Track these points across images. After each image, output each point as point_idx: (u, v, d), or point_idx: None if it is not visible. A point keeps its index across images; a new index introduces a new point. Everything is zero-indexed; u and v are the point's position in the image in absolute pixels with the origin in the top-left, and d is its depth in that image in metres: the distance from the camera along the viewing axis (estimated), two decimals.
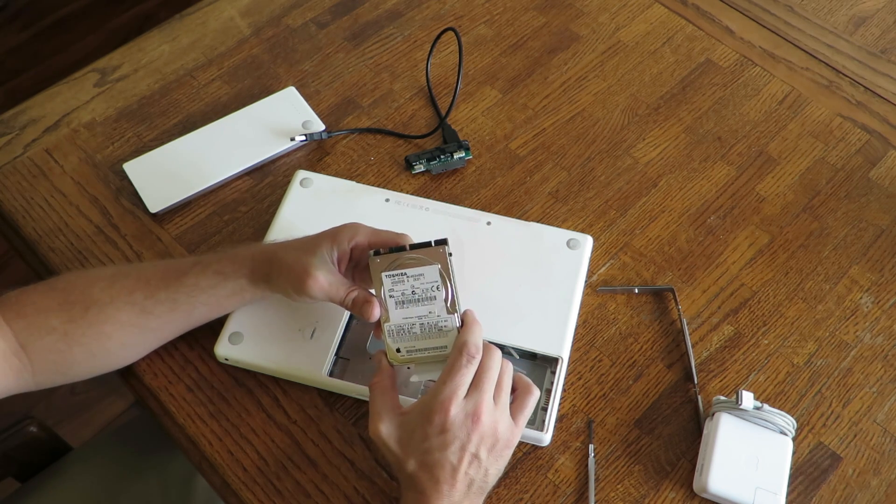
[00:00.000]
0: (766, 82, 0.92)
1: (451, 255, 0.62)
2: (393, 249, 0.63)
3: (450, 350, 0.62)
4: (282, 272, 0.65)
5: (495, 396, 0.60)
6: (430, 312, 0.62)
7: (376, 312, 0.63)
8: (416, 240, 0.64)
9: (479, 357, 0.60)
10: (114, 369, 0.70)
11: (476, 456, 0.58)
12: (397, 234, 0.65)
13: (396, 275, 0.62)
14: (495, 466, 0.60)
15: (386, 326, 0.63)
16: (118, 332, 0.66)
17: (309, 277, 0.63)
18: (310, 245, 0.66)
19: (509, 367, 0.62)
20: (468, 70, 0.92)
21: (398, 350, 0.63)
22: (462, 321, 0.62)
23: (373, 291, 0.64)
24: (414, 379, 0.63)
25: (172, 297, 0.66)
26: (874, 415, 0.71)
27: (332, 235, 0.65)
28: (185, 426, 0.70)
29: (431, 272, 0.62)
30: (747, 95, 0.91)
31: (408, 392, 0.68)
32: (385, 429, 0.60)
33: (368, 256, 0.63)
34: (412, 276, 0.62)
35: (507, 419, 0.61)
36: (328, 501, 0.66)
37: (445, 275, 0.62)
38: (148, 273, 0.67)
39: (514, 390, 0.63)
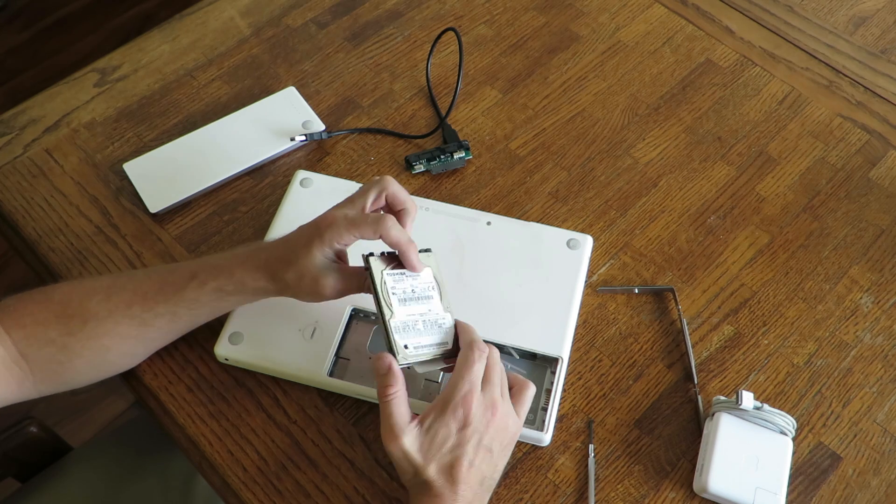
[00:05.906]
0: (766, 82, 0.92)
1: (436, 259, 0.65)
2: (385, 254, 0.64)
3: (450, 346, 0.63)
4: (294, 290, 0.64)
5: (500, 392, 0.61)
6: (429, 310, 0.64)
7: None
8: (412, 236, 0.64)
9: (487, 352, 0.61)
10: (115, 374, 0.70)
11: (490, 450, 0.59)
12: (374, 216, 0.63)
13: (396, 274, 0.64)
14: (503, 461, 0.61)
15: (392, 322, 0.63)
16: (118, 344, 0.66)
17: (324, 289, 0.63)
18: (303, 256, 0.63)
19: (501, 364, 0.64)
20: (468, 70, 0.92)
21: (406, 346, 0.63)
22: (456, 324, 0.64)
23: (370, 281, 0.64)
24: (419, 371, 0.64)
25: (172, 310, 0.65)
26: (874, 415, 0.71)
27: (319, 239, 0.62)
28: (185, 426, 0.70)
29: (426, 273, 0.65)
30: (747, 95, 0.91)
31: (414, 391, 0.68)
32: (409, 441, 0.58)
33: (366, 257, 0.64)
34: (410, 276, 0.64)
35: (514, 413, 0.62)
36: (328, 501, 0.66)
37: (437, 277, 0.65)
38: (145, 286, 0.65)
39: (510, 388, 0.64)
